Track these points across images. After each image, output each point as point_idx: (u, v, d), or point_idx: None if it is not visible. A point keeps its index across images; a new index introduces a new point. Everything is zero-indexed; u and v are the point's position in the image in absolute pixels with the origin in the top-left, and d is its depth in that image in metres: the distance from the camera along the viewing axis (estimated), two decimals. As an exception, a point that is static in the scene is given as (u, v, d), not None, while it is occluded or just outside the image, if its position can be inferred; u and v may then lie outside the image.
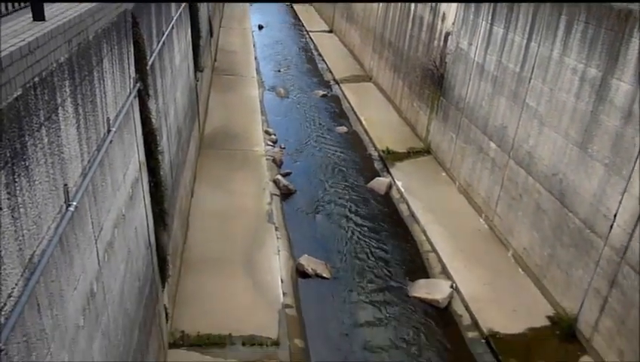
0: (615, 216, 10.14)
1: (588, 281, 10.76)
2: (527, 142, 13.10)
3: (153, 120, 8.75)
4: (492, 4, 14.98)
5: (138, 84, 7.80)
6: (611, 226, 10.22)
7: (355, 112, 23.53)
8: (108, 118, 6.07)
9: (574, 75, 11.46)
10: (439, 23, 18.92)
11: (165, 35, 10.93)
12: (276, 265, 12.73)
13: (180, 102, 13.21)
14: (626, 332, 9.65)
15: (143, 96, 8.15)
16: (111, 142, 5.98)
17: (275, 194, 16.28)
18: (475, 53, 15.96)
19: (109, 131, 6.03)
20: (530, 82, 13.09)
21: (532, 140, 12.89)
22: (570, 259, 11.32)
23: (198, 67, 17.66)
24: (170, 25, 11.88)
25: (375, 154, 19.74)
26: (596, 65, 10.81)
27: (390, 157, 18.90)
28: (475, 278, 12.68)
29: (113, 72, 6.40)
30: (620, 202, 10.02)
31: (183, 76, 14.21)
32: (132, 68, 7.61)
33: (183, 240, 12.89)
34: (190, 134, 15.22)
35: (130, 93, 7.31)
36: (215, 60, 27.59)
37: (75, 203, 4.60)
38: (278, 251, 13.35)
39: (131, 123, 7.39)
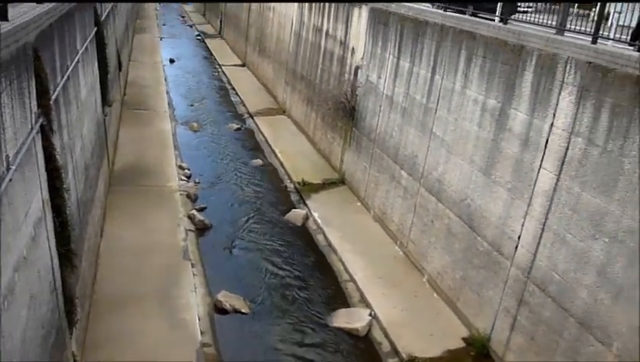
0: (519, 237, 10.71)
1: (498, 301, 11.24)
2: (436, 170, 13.65)
3: (58, 156, 8.36)
4: (397, 40, 15.66)
5: (41, 120, 7.45)
6: (516, 247, 10.78)
7: (269, 145, 23.60)
8: (7, 155, 5.73)
9: (476, 106, 12.14)
10: (349, 56, 19.52)
11: (70, 69, 10.55)
12: (193, 303, 12.36)
13: (87, 137, 12.72)
14: (535, 348, 10.13)
15: (46, 132, 7.78)
16: (10, 180, 5.64)
17: (191, 230, 15.91)
18: (384, 86, 16.56)
19: (8, 169, 5.69)
20: (436, 112, 13.71)
21: (440, 168, 13.45)
22: (481, 281, 11.80)
23: (106, 101, 17.11)
24: (76, 58, 11.50)
25: (291, 186, 19.82)
26: (495, 96, 11.51)
27: (306, 189, 19.05)
28: (393, 305, 12.90)
29: (13, 106, 6.07)
30: (523, 224, 10.62)
31: (90, 111, 13.73)
32: (34, 103, 7.26)
33: (92, 281, 12.26)
34: (99, 170, 14.66)
35: (32, 128, 6.96)
36: (125, 94, 26.88)
37: (-31, 246, 4.28)
38: (195, 288, 12.98)
39: (34, 160, 7.02)
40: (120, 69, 24.37)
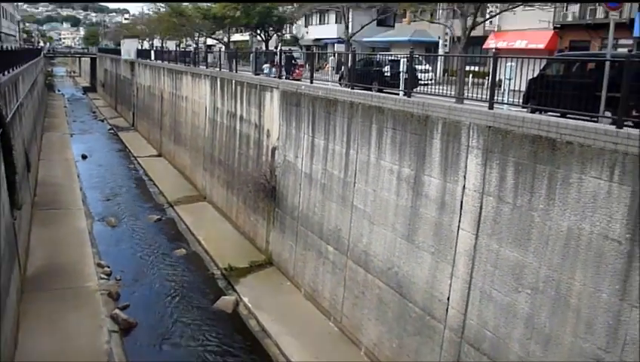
0: (448, 298, 10.90)
1: (436, 366, 11.23)
2: (361, 241, 13.82)
3: (-38, 267, 7.79)
4: (310, 119, 16.16)
5: (-58, 230, 6.98)
6: (447, 309, 10.94)
7: (192, 233, 23.14)
8: None
9: (392, 176, 12.57)
10: (265, 138, 19.85)
11: (-26, 174, 10.06)
12: (122, 410, 11.51)
13: (-5, 244, 11.98)
14: (478, 410, 10.11)
15: (-52, 242, 7.28)
16: None
17: (114, 331, 15.01)
18: (302, 164, 16.87)
19: None
20: (354, 185, 14.05)
21: (365, 239, 13.63)
22: (417, 347, 11.79)
23: (15, 205, 16.32)
24: (-21, 162, 11.01)
25: (218, 272, 19.35)
26: (408, 165, 11.99)
27: (233, 274, 18.66)
28: (333, 383, 12.59)
29: None
30: (450, 285, 10.85)
31: (-2, 215, 13.02)
32: None
33: (6, 401, 11.19)
34: (9, 278, 13.73)
35: None
36: (35, 195, 25.77)
37: None
38: (123, 393, 12.14)
39: None
40: (29, 170, 23.47)
